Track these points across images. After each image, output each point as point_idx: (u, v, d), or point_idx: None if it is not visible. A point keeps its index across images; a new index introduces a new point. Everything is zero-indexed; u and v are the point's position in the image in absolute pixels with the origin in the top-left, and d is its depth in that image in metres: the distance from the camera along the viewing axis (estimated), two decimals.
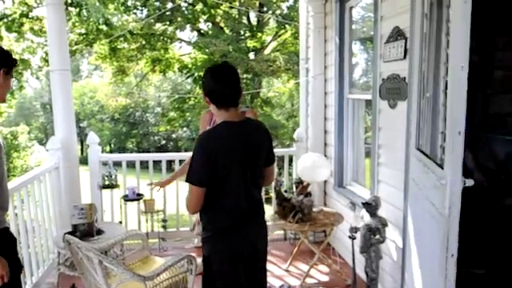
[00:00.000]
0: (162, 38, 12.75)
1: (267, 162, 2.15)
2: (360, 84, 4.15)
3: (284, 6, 12.81)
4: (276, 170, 4.59)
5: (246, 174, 2.01)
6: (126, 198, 4.10)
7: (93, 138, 4.23)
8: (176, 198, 4.44)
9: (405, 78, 2.81)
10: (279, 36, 14.00)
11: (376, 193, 3.26)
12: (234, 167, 1.96)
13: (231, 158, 1.95)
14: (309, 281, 3.58)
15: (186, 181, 1.97)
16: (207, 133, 2.03)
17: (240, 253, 2.03)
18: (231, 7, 12.18)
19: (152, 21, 11.80)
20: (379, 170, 3.27)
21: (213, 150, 1.92)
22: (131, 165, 4.61)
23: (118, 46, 12.14)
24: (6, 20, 9.95)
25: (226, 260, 2.01)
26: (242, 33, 13.29)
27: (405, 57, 2.80)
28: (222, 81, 1.98)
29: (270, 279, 3.44)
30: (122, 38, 11.43)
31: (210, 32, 13.27)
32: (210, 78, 2.00)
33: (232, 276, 2.01)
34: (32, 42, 10.76)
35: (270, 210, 3.80)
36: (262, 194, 4.35)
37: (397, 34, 2.89)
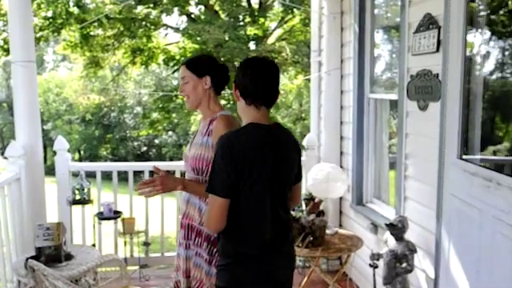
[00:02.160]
0: (144, 23, 12.79)
1: (297, 177, 2.18)
2: (383, 81, 4.19)
3: None
4: None
5: (273, 190, 2.00)
6: (101, 216, 4.12)
7: (61, 143, 4.25)
8: (161, 216, 4.46)
9: (438, 74, 2.85)
10: (286, 22, 14.07)
11: (402, 212, 3.28)
12: (259, 179, 1.95)
13: (257, 166, 1.95)
14: None
15: (207, 191, 1.97)
16: (230, 134, 2.02)
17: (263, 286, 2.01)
18: None
19: (132, 3, 11.87)
20: (406, 184, 3.29)
21: (238, 154, 1.91)
22: (106, 176, 4.63)
23: (92, 33, 12.18)
24: None
25: None
26: (241, 18, 13.36)
27: (438, 49, 2.84)
28: (257, 72, 2.00)
29: None
30: (96, 24, 11.48)
31: (203, 17, 13.34)
32: (244, 68, 2.03)
33: None
34: None
35: None
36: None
37: (428, 23, 2.93)
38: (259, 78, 1.99)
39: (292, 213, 3.74)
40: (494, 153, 3.58)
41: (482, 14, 2.91)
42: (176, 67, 13.48)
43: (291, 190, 2.14)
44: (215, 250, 2.21)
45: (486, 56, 3.04)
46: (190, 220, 2.34)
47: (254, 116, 2.01)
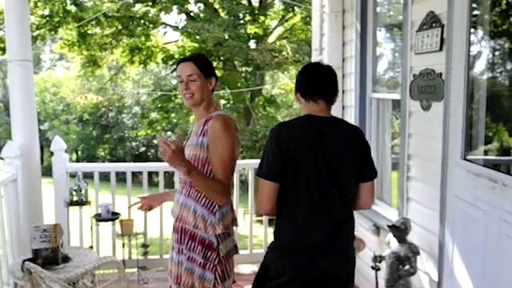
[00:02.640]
0: (142, 21, 12.81)
1: (362, 176, 2.18)
2: (386, 81, 4.19)
3: None
4: None
5: (325, 182, 2.04)
6: (99, 218, 4.12)
7: (59, 143, 4.25)
8: (160, 217, 4.46)
9: (441, 73, 2.85)
10: (286, 21, 14.09)
11: (405, 214, 3.28)
12: (307, 166, 2.03)
13: (306, 154, 2.03)
14: None
15: (257, 174, 2.15)
16: (282, 122, 2.21)
17: (304, 282, 2.06)
18: None
19: (131, 1, 11.89)
20: (409, 185, 3.29)
21: (285, 140, 2.05)
22: (104, 177, 4.63)
23: (89, 32, 12.21)
24: None
25: (283, 283, 2.07)
26: (241, 16, 13.38)
27: (441, 48, 2.84)
28: (314, 70, 2.23)
29: None
30: (93, 22, 11.49)
31: (202, 15, 13.36)
32: (303, 70, 2.24)
33: None
34: None
35: None
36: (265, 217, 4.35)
37: (431, 21, 2.93)
38: (314, 74, 2.20)
39: None
40: (499, 153, 3.58)
41: (486, 17, 2.91)
42: (174, 66, 13.47)
43: (356, 188, 2.17)
44: (210, 253, 2.22)
45: (489, 55, 3.03)
46: (184, 223, 2.30)
47: (312, 109, 2.15)
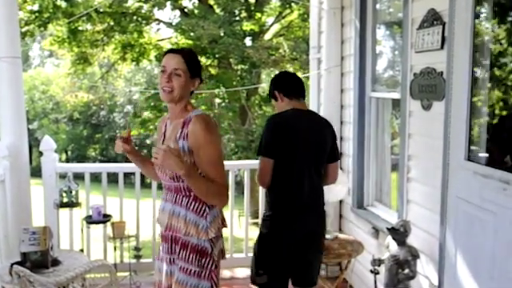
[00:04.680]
0: (135, 18, 12.80)
1: (331, 157, 2.92)
2: (385, 79, 4.20)
3: None
4: None
5: (309, 159, 2.79)
6: (90, 220, 4.11)
7: (48, 143, 4.24)
8: (152, 220, 4.45)
9: (442, 72, 2.86)
10: (283, 17, 14.11)
11: (405, 216, 3.30)
12: (298, 146, 2.75)
13: (296, 136, 2.76)
14: None
15: (257, 154, 2.79)
16: (275, 114, 2.87)
17: (297, 237, 2.77)
18: None
19: None
20: (409, 186, 3.30)
21: (279, 124, 2.77)
22: (95, 178, 4.61)
23: (80, 28, 12.18)
24: None
25: (281, 241, 2.75)
26: (237, 13, 13.38)
27: (442, 46, 2.85)
28: (291, 75, 3.05)
29: None
30: (84, 18, 11.47)
31: (197, 11, 13.35)
32: (280, 77, 2.98)
33: (284, 257, 2.77)
34: None
35: None
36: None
37: (432, 18, 2.94)
38: (293, 78, 2.97)
39: None
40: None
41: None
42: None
43: (326, 168, 2.91)
44: (204, 260, 2.18)
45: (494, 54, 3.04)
46: (174, 231, 2.21)
47: (295, 105, 2.85)
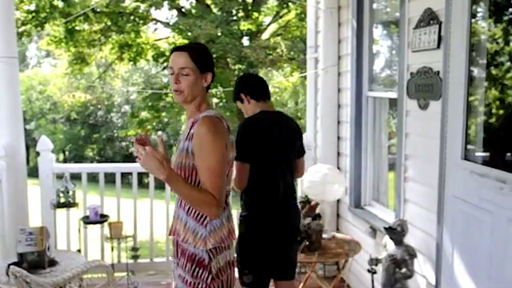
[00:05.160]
0: (132, 17, 12.78)
1: (300, 153, 3.07)
2: (382, 79, 4.20)
3: None
4: None
5: (282, 159, 2.88)
6: (87, 220, 4.11)
7: (45, 143, 4.24)
8: (150, 220, 4.46)
9: (439, 71, 2.87)
10: (281, 17, 14.10)
11: (402, 215, 3.30)
12: (272, 148, 2.84)
13: (270, 138, 2.84)
14: None
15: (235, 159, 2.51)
16: (247, 118, 2.92)
17: (276, 234, 2.85)
18: None
19: None
20: (406, 186, 3.31)
21: (253, 128, 2.84)
22: (93, 178, 4.61)
23: (77, 28, 12.15)
24: None
25: (261, 239, 2.83)
26: (234, 12, 13.37)
27: (439, 46, 2.86)
28: (256, 77, 3.27)
29: None
30: (81, 18, 11.44)
31: (194, 11, 13.34)
32: (246, 79, 3.12)
33: (266, 254, 2.84)
34: None
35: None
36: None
37: (429, 18, 2.94)
38: (262, 83, 3.03)
39: None
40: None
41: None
42: (165, 64, 13.43)
43: (296, 163, 3.03)
44: (200, 271, 2.05)
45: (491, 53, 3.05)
46: (177, 236, 2.12)
47: (264, 107, 2.93)
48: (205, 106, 2.12)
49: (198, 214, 2.04)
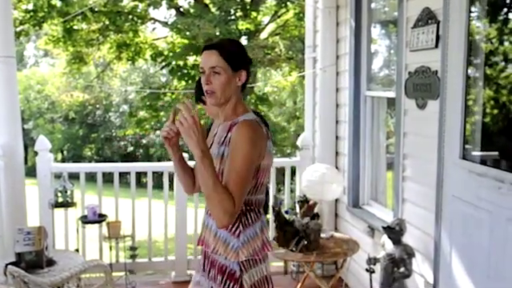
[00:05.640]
0: (130, 17, 12.77)
1: None
2: (381, 78, 4.21)
3: None
4: (274, 185, 4.64)
5: None
6: (85, 220, 4.10)
7: (43, 143, 4.23)
8: (148, 220, 4.46)
9: (437, 71, 2.87)
10: (279, 17, 14.10)
11: (400, 215, 3.30)
12: None
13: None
14: None
15: None
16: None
17: None
18: None
19: None
20: (404, 185, 3.31)
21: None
22: (91, 178, 4.61)
23: (75, 27, 12.13)
24: None
25: None
26: (232, 12, 13.37)
27: (437, 45, 2.86)
28: None
29: None
30: (79, 17, 11.43)
31: (192, 11, 13.32)
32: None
33: None
34: None
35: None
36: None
37: (427, 17, 2.95)
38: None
39: (286, 216, 3.77)
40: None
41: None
42: (164, 63, 13.45)
43: None
44: (231, 284, 1.92)
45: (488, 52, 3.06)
46: (206, 246, 2.00)
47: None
48: (241, 108, 1.99)
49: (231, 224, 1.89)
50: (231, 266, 1.91)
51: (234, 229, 1.90)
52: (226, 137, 1.93)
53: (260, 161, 1.89)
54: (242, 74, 1.95)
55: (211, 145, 2.01)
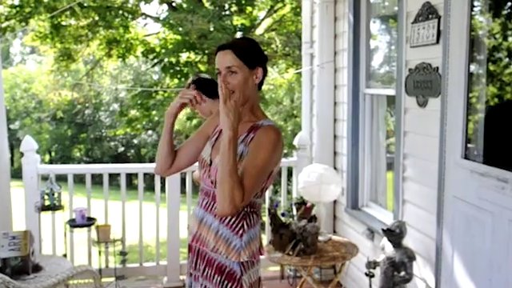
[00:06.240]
0: (120, 12, 12.74)
1: None
2: (380, 75, 4.21)
3: None
4: (271, 186, 4.63)
5: None
6: (73, 224, 4.09)
7: (29, 143, 4.22)
8: (139, 223, 4.45)
9: (438, 67, 2.87)
10: (275, 11, 14.09)
11: (401, 217, 3.31)
12: None
13: None
14: None
15: None
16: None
17: None
18: None
19: None
20: (405, 186, 3.32)
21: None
22: (79, 179, 4.59)
23: (63, 23, 12.10)
24: None
25: None
26: (227, 7, 13.36)
27: (438, 41, 2.87)
28: (209, 77, 2.79)
29: None
30: (68, 13, 11.40)
31: (185, 6, 13.30)
32: (202, 79, 2.75)
33: None
34: None
35: (263, 239, 3.82)
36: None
37: (428, 12, 2.95)
38: (212, 82, 2.81)
39: (282, 218, 3.77)
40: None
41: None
42: (156, 60, 13.43)
43: None
44: (230, 284, 1.95)
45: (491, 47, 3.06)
46: (202, 245, 2.01)
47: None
48: (260, 112, 2.07)
49: (234, 223, 1.95)
50: (231, 265, 1.95)
51: (237, 228, 1.95)
52: (247, 136, 1.98)
53: (274, 167, 1.98)
54: (259, 71, 2.01)
55: (217, 138, 2.06)
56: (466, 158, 2.73)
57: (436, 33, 2.87)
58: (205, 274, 2.01)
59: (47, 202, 4.03)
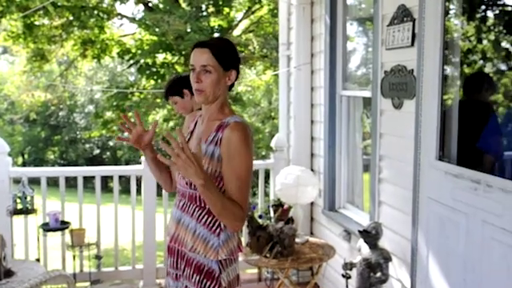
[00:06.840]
0: (95, 12, 12.62)
1: None
2: (357, 77, 4.26)
3: None
4: None
5: None
6: (46, 228, 4.04)
7: (1, 145, 4.16)
8: (114, 227, 4.41)
9: (413, 70, 2.92)
10: (253, 13, 14.12)
11: (377, 218, 3.35)
12: None
13: None
14: None
15: None
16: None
17: None
18: None
19: None
20: (381, 188, 3.36)
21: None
22: (53, 182, 4.53)
23: (36, 22, 11.94)
24: None
25: None
26: (204, 8, 13.34)
27: (413, 44, 2.91)
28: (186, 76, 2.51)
29: None
30: (41, 12, 11.25)
31: (162, 6, 13.24)
32: (183, 76, 2.64)
33: None
34: None
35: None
36: None
37: (403, 15, 3.00)
38: None
39: (259, 220, 3.78)
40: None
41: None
42: (132, 61, 13.33)
43: None
44: (209, 283, 1.98)
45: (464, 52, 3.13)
46: (180, 245, 2.05)
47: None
48: (228, 109, 2.07)
49: (210, 222, 1.99)
50: (210, 264, 1.99)
51: (214, 227, 1.99)
52: (215, 136, 1.99)
53: (252, 162, 2.02)
54: (232, 73, 2.04)
55: (189, 139, 2.11)
56: (441, 159, 2.78)
57: (411, 35, 2.92)
58: (185, 273, 2.04)
59: (19, 206, 3.98)
